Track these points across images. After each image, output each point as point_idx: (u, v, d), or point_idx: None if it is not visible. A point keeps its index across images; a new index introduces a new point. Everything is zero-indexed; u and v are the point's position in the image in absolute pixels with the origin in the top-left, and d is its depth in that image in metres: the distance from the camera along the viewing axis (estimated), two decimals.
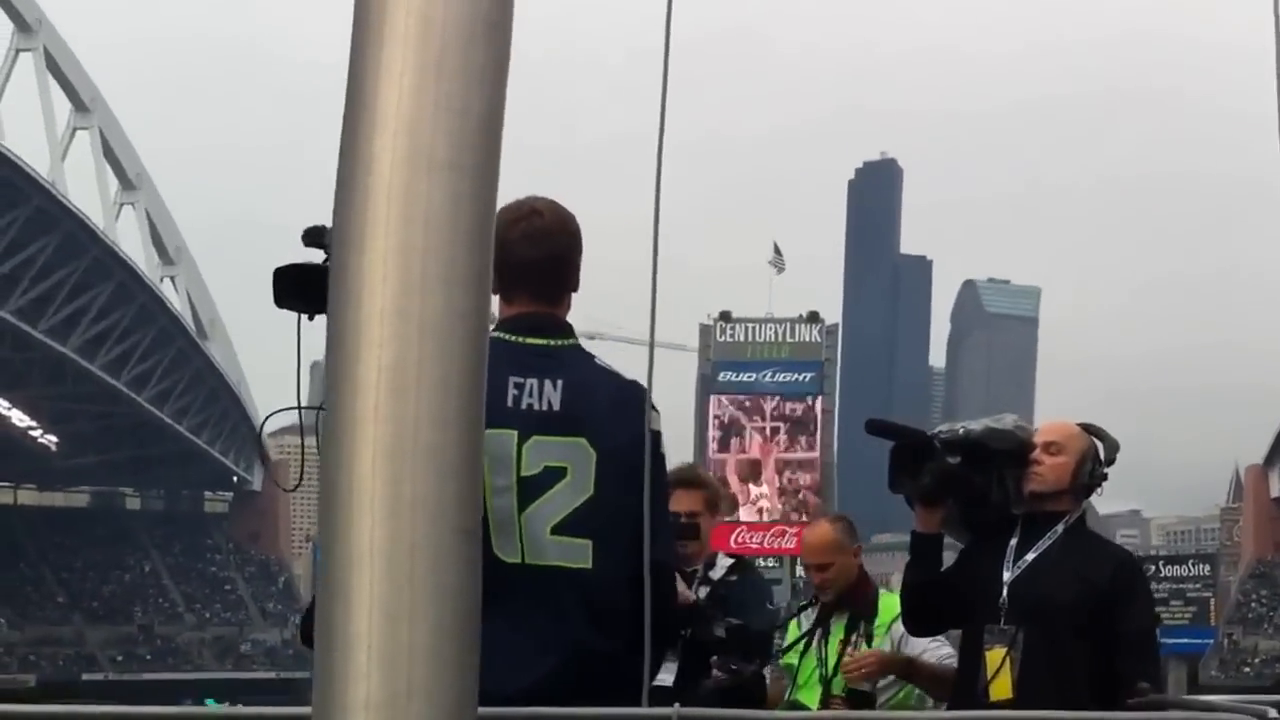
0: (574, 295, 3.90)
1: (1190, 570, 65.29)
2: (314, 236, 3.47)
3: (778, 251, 77.93)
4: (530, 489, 3.56)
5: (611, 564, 3.59)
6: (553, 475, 3.59)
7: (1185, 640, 62.15)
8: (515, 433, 3.57)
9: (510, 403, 3.60)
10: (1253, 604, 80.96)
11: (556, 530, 3.57)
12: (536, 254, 3.72)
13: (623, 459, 3.61)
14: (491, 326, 3.83)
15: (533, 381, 3.63)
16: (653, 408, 3.72)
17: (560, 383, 3.65)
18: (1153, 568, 64.83)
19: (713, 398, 68.61)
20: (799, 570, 43.34)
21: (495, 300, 3.84)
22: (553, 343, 3.73)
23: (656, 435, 3.70)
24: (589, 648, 3.58)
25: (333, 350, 1.72)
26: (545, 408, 3.63)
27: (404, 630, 1.68)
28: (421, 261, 1.68)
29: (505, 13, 1.70)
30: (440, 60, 1.63)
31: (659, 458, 3.73)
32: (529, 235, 3.72)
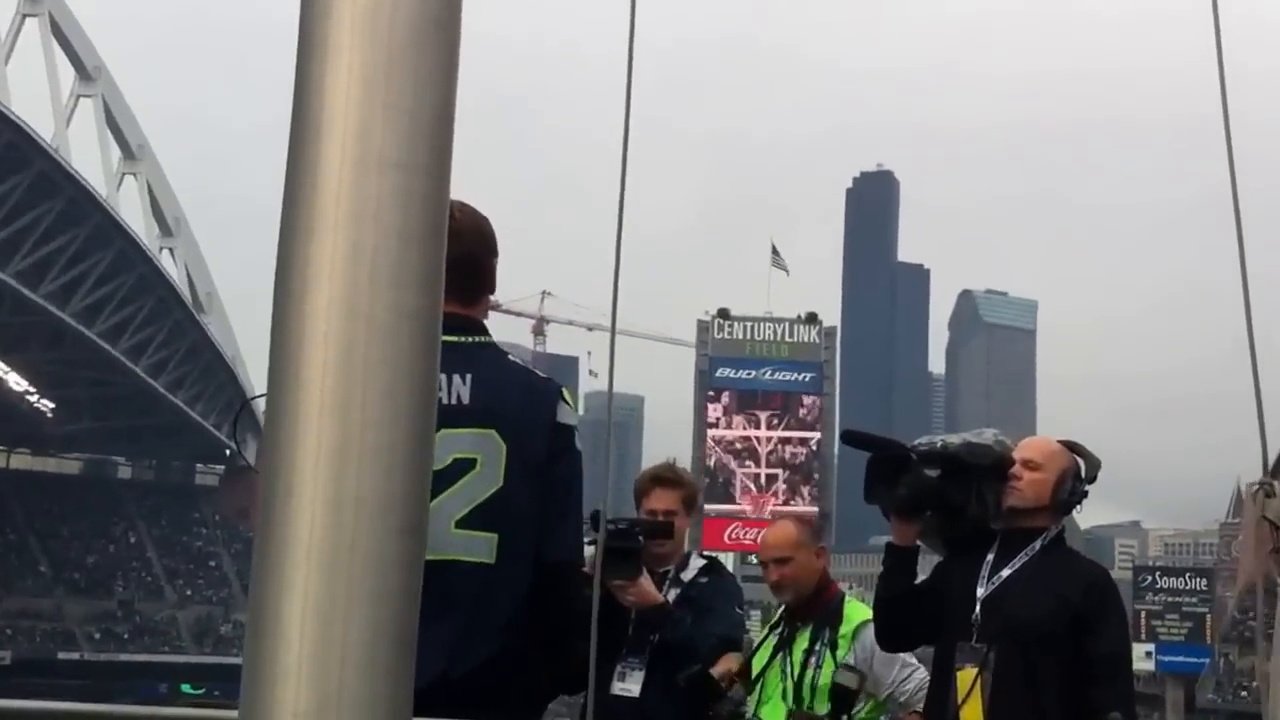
0: (490, 295, 3.92)
1: (1187, 584, 65.14)
2: None
3: (776, 252, 77.78)
4: (437, 482, 3.52)
5: (516, 560, 3.57)
6: (462, 467, 3.57)
7: (1181, 658, 61.99)
8: None
9: None
10: (1249, 622, 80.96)
11: (461, 524, 3.55)
12: (450, 255, 3.70)
13: (534, 452, 3.61)
14: None
15: (441, 377, 3.63)
16: (566, 402, 3.74)
17: (470, 377, 3.66)
18: (1150, 577, 64.71)
19: (711, 393, 68.63)
20: None
21: None
22: (464, 339, 3.73)
23: (567, 429, 3.72)
24: (490, 646, 3.55)
25: (276, 347, 1.69)
26: (454, 401, 3.64)
27: (337, 632, 1.65)
28: (371, 260, 1.65)
29: (454, 13, 1.69)
30: (389, 60, 1.62)
31: (572, 452, 3.74)
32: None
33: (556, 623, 3.65)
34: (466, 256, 3.74)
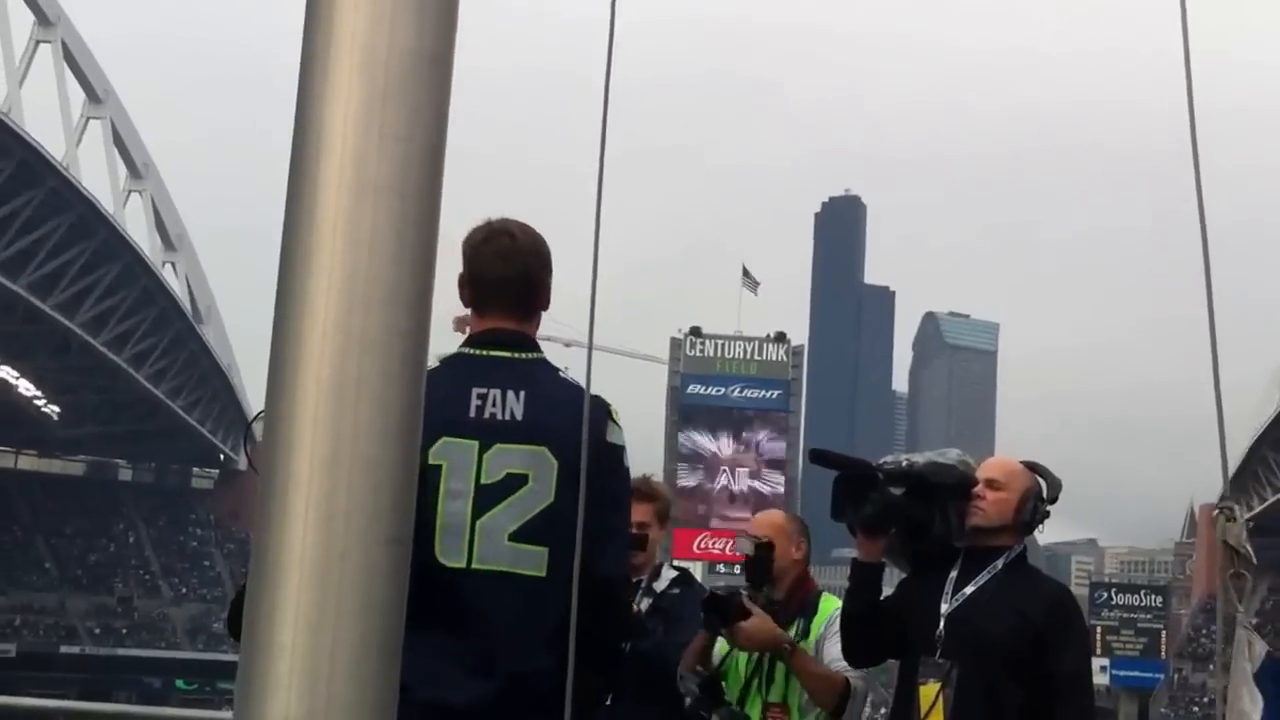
0: (543, 312, 3.85)
1: (1142, 600, 65.19)
2: None
3: (746, 273, 77.88)
4: (490, 496, 3.48)
5: (567, 574, 3.48)
6: (515, 482, 3.51)
7: (1136, 673, 61.99)
8: (477, 442, 3.51)
9: (473, 413, 3.54)
10: (1203, 639, 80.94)
11: (514, 537, 3.49)
12: (507, 272, 3.68)
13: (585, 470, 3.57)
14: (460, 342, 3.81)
15: (495, 392, 3.57)
16: (614, 421, 3.67)
17: (523, 394, 3.58)
18: (1106, 594, 64.77)
19: (684, 408, 68.63)
20: None
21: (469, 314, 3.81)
22: (517, 356, 3.67)
23: (616, 448, 3.65)
24: (539, 657, 3.47)
25: (274, 363, 1.68)
26: (508, 417, 3.56)
27: (327, 642, 1.63)
28: (365, 282, 1.65)
29: (448, 45, 1.69)
30: (385, 90, 1.61)
31: (620, 471, 3.68)
32: (501, 254, 3.68)
33: (605, 636, 3.59)
34: (523, 274, 3.72)
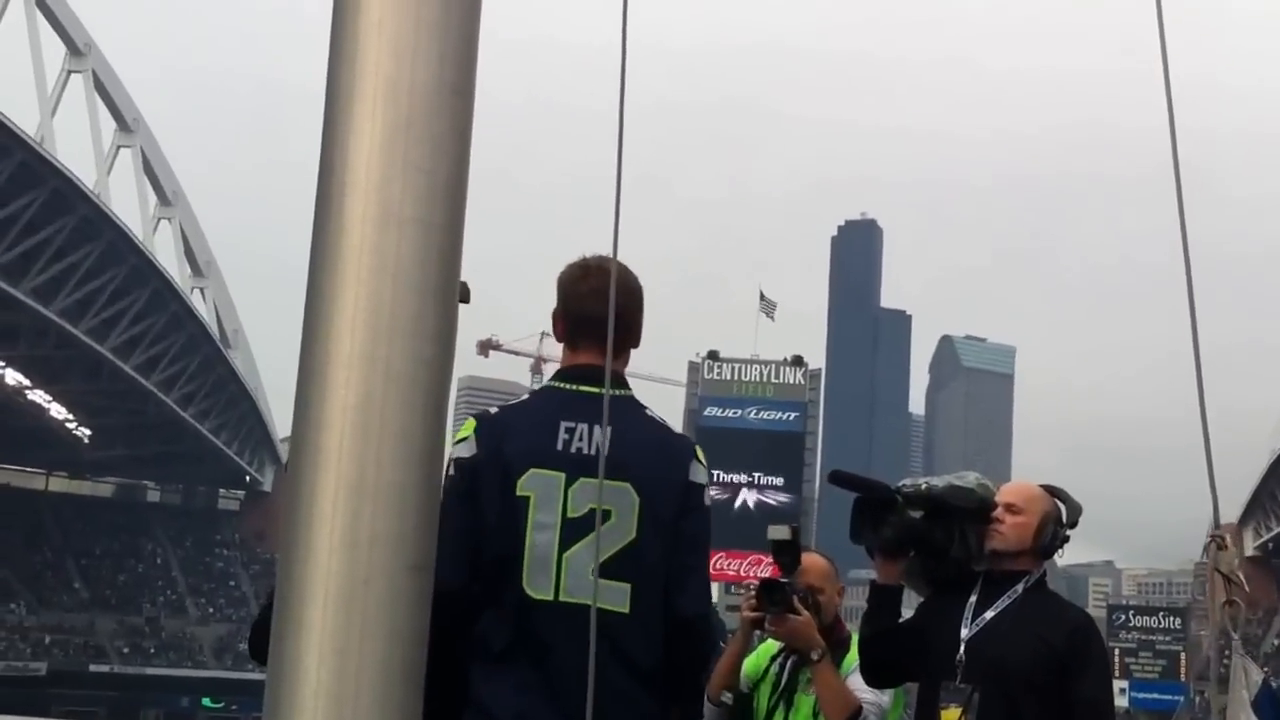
0: (633, 350, 3.82)
1: (1161, 622, 64.44)
2: None
3: (764, 298, 77.78)
4: (575, 530, 3.44)
5: (648, 611, 3.48)
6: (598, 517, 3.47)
7: (1155, 695, 61.34)
8: (563, 474, 3.47)
9: (560, 446, 3.51)
10: (1224, 662, 79.92)
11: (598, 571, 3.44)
12: (602, 309, 3.62)
13: (666, 507, 3.51)
14: (549, 375, 3.78)
15: (583, 426, 3.54)
16: (699, 461, 3.64)
17: (610, 429, 3.50)
18: (1123, 616, 64.12)
19: (702, 431, 68.58)
20: None
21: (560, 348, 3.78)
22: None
23: (699, 488, 3.62)
24: (620, 693, 3.41)
25: (302, 391, 1.68)
26: (594, 452, 3.51)
27: (351, 666, 1.63)
28: (390, 311, 1.64)
29: (469, 79, 1.69)
30: (408, 123, 1.61)
31: (703, 510, 3.63)
32: (597, 291, 3.60)
33: (687, 673, 3.58)
34: (617, 312, 3.67)
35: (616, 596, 3.46)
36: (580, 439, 3.53)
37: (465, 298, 3.35)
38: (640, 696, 3.46)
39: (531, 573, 3.44)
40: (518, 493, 3.46)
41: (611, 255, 2.39)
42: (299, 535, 1.67)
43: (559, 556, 3.44)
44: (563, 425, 3.54)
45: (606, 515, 3.47)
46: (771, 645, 5.62)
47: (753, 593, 5.02)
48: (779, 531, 5.06)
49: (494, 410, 3.70)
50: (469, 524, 3.43)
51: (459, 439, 3.56)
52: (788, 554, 5.04)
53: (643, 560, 3.46)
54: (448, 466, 3.49)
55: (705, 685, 5.13)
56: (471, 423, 3.60)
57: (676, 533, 3.54)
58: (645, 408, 3.75)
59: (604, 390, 3.57)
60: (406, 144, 1.63)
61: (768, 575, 5.06)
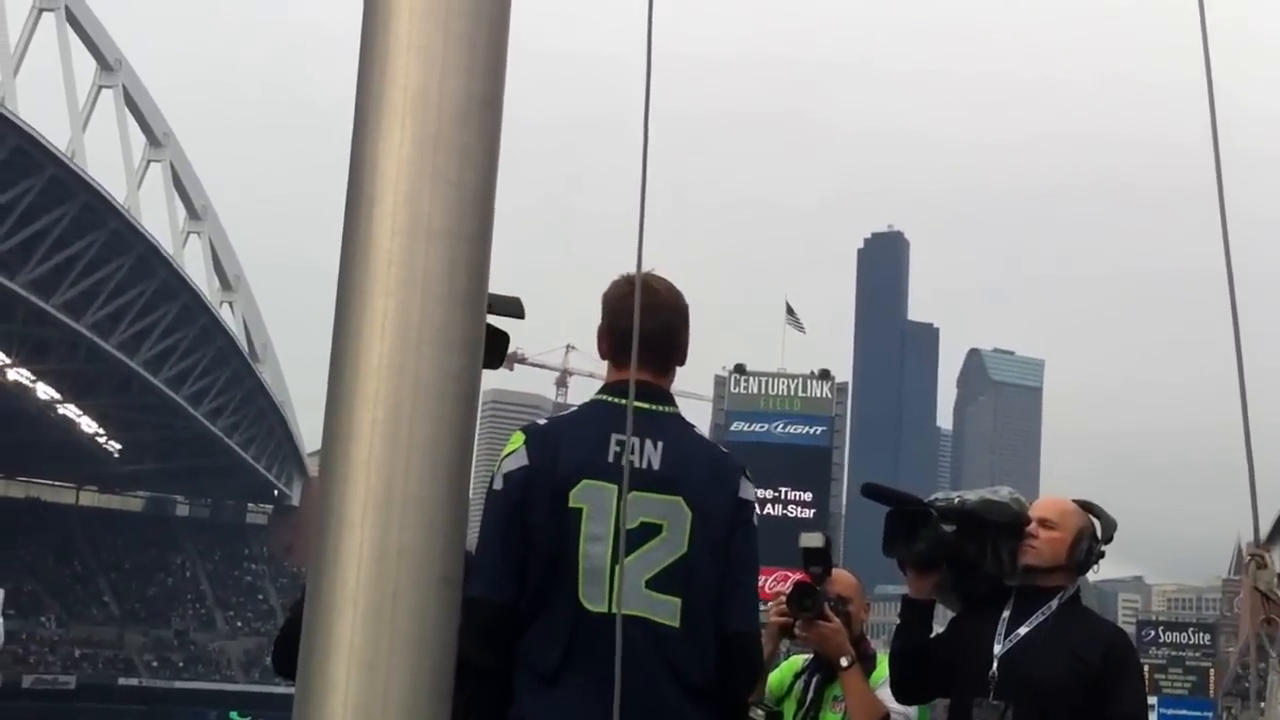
0: (679, 368, 3.81)
1: (1190, 638, 64.08)
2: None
3: (791, 311, 77.62)
4: (627, 542, 3.39)
5: (700, 626, 3.47)
6: (649, 531, 3.46)
7: (1185, 712, 61.00)
8: (616, 486, 3.45)
9: (611, 459, 3.49)
10: (1260, 678, 78.84)
11: (650, 585, 3.44)
12: (648, 325, 3.56)
13: (717, 523, 3.51)
14: (598, 389, 3.78)
15: (634, 441, 3.53)
16: (746, 478, 3.64)
17: (660, 444, 3.53)
18: (1153, 632, 63.79)
19: (728, 445, 68.44)
20: None
21: (605, 365, 3.78)
22: (655, 408, 3.62)
23: (748, 504, 3.62)
24: (672, 708, 3.42)
25: (331, 403, 1.68)
26: (645, 466, 3.51)
27: (380, 679, 1.62)
28: (418, 323, 1.64)
29: (497, 92, 1.69)
30: (437, 136, 1.61)
31: (751, 528, 3.63)
32: (644, 307, 3.62)
33: (736, 689, 3.57)
34: (664, 329, 3.68)
35: (667, 610, 3.45)
36: (631, 452, 3.52)
37: (520, 313, 3.36)
38: (690, 712, 3.45)
39: (587, 585, 3.43)
40: (570, 504, 3.45)
41: (636, 268, 2.38)
42: (328, 547, 1.67)
43: (611, 568, 3.42)
44: (614, 438, 3.53)
45: (658, 529, 3.46)
46: (796, 662, 5.61)
47: (783, 600, 5.01)
48: (812, 539, 5.05)
49: (542, 422, 3.69)
50: (519, 539, 3.43)
51: (508, 452, 3.55)
52: (820, 562, 5.02)
53: (694, 575, 3.45)
54: (493, 479, 3.49)
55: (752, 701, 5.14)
56: (520, 435, 3.59)
57: (727, 549, 3.53)
58: (693, 426, 3.75)
59: (655, 407, 3.62)
60: (435, 156, 1.63)
61: (800, 579, 5.04)
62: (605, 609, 3.41)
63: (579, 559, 3.42)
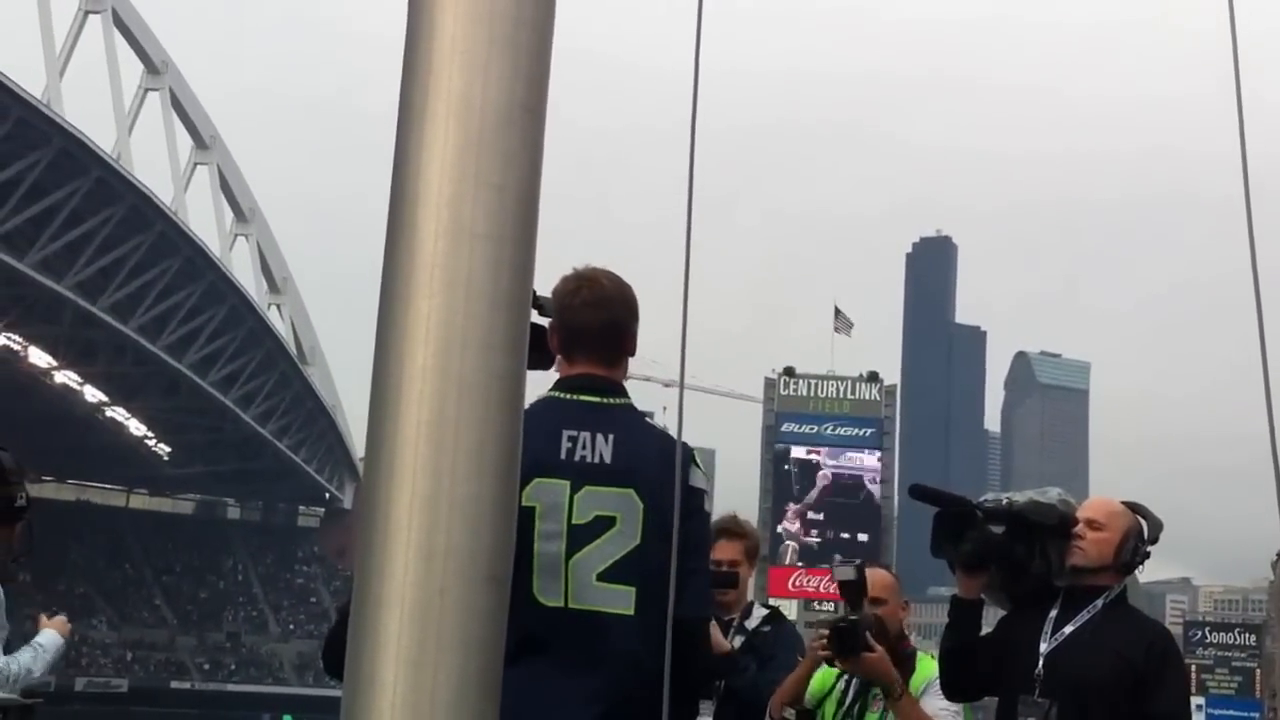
0: (630, 359, 3.86)
1: (1237, 639, 63.71)
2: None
3: (839, 314, 77.46)
4: (580, 536, 3.51)
5: (654, 612, 3.48)
6: (602, 524, 3.53)
7: (1232, 712, 60.66)
8: (568, 483, 3.54)
9: (564, 455, 3.57)
10: None
11: (602, 577, 3.51)
12: (596, 319, 3.72)
13: (669, 512, 3.51)
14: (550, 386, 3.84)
15: (585, 435, 3.60)
16: (696, 466, 3.67)
17: (611, 437, 3.61)
18: (1200, 633, 63.46)
19: (778, 448, 68.30)
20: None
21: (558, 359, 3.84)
22: (605, 400, 3.69)
23: (698, 492, 3.65)
24: (629, 694, 3.49)
25: (376, 405, 1.70)
26: (597, 460, 3.59)
27: (428, 678, 1.64)
28: (462, 325, 1.66)
29: (540, 97, 1.71)
30: (480, 139, 1.63)
31: (701, 515, 3.69)
32: (589, 302, 3.72)
33: (687, 675, 3.60)
34: (612, 323, 3.75)
35: (621, 600, 3.51)
36: (583, 447, 3.59)
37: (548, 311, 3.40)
38: (645, 699, 3.49)
39: (542, 580, 3.49)
40: (523, 503, 3.50)
41: (684, 274, 2.40)
42: (375, 548, 1.69)
43: (567, 563, 3.50)
44: (565, 434, 3.60)
45: (611, 522, 3.53)
46: None
47: (824, 637, 5.05)
48: (845, 572, 5.11)
49: None
50: None
51: None
52: (854, 592, 5.07)
53: (648, 564, 3.48)
54: None
55: (754, 693, 5.20)
56: None
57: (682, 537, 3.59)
58: (644, 415, 3.83)
59: (604, 400, 3.69)
60: (478, 160, 1.64)
61: (839, 618, 5.08)
62: (561, 603, 3.49)
63: (533, 557, 3.47)
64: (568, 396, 3.69)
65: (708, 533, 3.80)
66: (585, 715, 3.46)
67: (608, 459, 3.59)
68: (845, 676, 5.39)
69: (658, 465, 3.57)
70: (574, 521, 3.53)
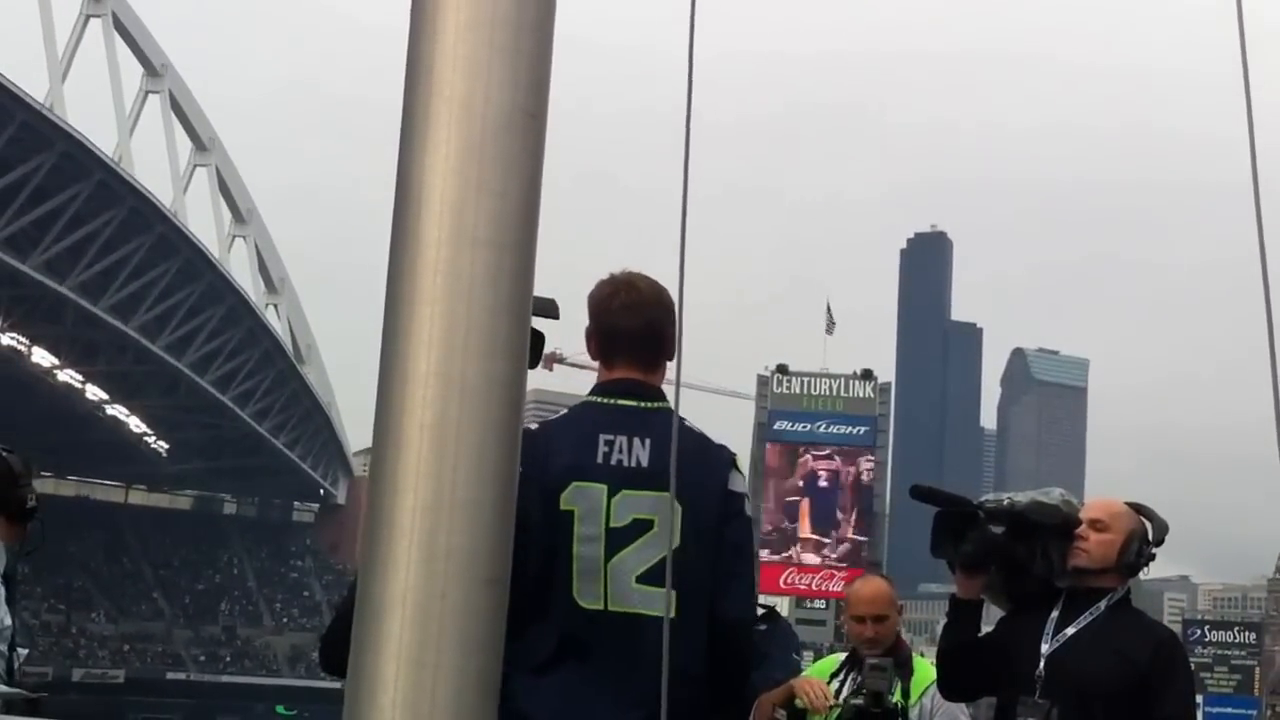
0: (669, 362, 3.84)
1: (1236, 637, 63.80)
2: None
3: (830, 314, 77.59)
4: (618, 540, 3.50)
5: (694, 615, 3.50)
6: (640, 527, 3.52)
7: (1230, 710, 60.74)
8: (605, 486, 3.53)
9: (600, 459, 3.57)
10: None
11: (641, 579, 3.49)
12: (634, 324, 3.70)
13: (707, 516, 3.56)
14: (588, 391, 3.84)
15: (622, 439, 3.59)
16: (738, 470, 3.69)
17: (649, 441, 3.59)
18: (1199, 631, 63.56)
19: (769, 445, 68.26)
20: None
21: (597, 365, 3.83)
22: (643, 404, 3.67)
23: (739, 496, 3.67)
24: (671, 697, 3.50)
25: (380, 409, 1.71)
26: (634, 464, 3.58)
27: (428, 678, 1.65)
28: (464, 331, 1.67)
29: (542, 102, 1.72)
30: (481, 146, 1.64)
31: (743, 518, 3.69)
32: (628, 306, 3.70)
33: (731, 675, 3.62)
34: (649, 326, 3.73)
35: (660, 603, 3.48)
36: (620, 451, 3.59)
37: (555, 314, 3.41)
38: (685, 700, 3.48)
39: (581, 583, 3.49)
40: (561, 507, 3.51)
41: (679, 267, 2.40)
42: (378, 550, 1.70)
43: (605, 566, 3.50)
44: (602, 438, 3.60)
45: (649, 525, 3.52)
46: (832, 661, 5.65)
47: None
48: (876, 683, 5.12)
49: (533, 426, 3.73)
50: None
51: None
52: (888, 679, 5.11)
53: (686, 567, 3.46)
54: None
55: (749, 692, 5.21)
56: None
57: (719, 540, 3.58)
58: (684, 419, 3.76)
59: (643, 404, 3.68)
60: (480, 166, 1.65)
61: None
62: (600, 606, 3.49)
63: (572, 560, 3.48)
64: (606, 401, 3.69)
65: (749, 535, 3.75)
66: (634, 715, 3.44)
67: (645, 463, 3.58)
68: (839, 675, 5.42)
69: (696, 469, 3.56)
70: (612, 525, 3.52)
